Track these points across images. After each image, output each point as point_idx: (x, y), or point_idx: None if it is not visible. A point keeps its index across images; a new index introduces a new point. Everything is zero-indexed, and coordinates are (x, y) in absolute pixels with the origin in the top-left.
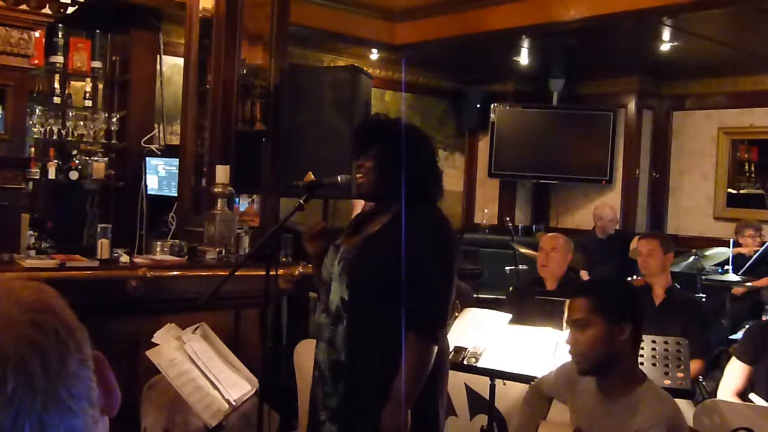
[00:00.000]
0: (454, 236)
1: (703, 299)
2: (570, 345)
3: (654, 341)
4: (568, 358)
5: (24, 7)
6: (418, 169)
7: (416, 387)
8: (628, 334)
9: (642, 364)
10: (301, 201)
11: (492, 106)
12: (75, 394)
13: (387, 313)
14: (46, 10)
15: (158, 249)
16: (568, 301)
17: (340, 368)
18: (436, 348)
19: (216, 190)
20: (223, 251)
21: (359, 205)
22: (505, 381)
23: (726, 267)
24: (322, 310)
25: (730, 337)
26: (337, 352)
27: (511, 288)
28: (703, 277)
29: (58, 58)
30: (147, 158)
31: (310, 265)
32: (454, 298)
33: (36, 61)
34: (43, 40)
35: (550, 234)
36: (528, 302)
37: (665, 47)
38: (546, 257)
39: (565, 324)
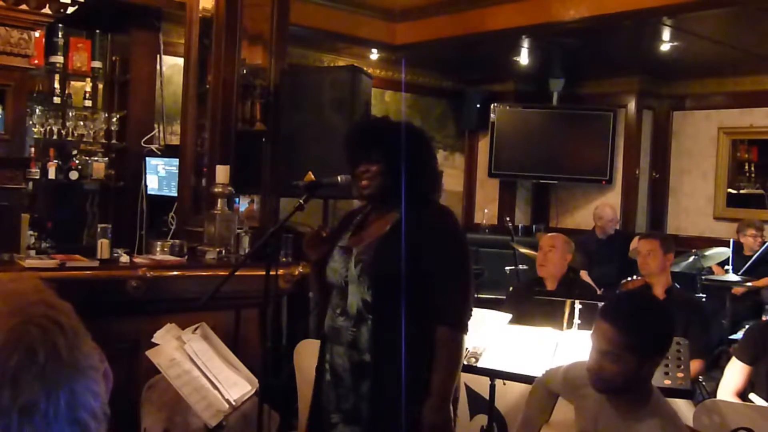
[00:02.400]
0: (461, 228)
1: (703, 299)
2: (594, 369)
3: None
4: (569, 358)
5: (24, 7)
6: (423, 168)
7: (454, 379)
8: (655, 367)
9: None
10: (301, 201)
11: (492, 106)
12: (90, 363)
13: (411, 309)
14: (46, 10)
15: (158, 249)
16: (568, 302)
17: (364, 369)
18: (465, 337)
19: (216, 190)
20: (223, 251)
21: None
22: (505, 381)
23: (726, 267)
24: (338, 313)
25: (730, 337)
26: (361, 353)
27: (511, 288)
28: (703, 277)
29: (58, 58)
30: (147, 158)
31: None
32: None
33: (36, 61)
34: (43, 40)
35: (549, 234)
36: (528, 302)
37: (665, 47)
38: (544, 257)
39: (569, 324)
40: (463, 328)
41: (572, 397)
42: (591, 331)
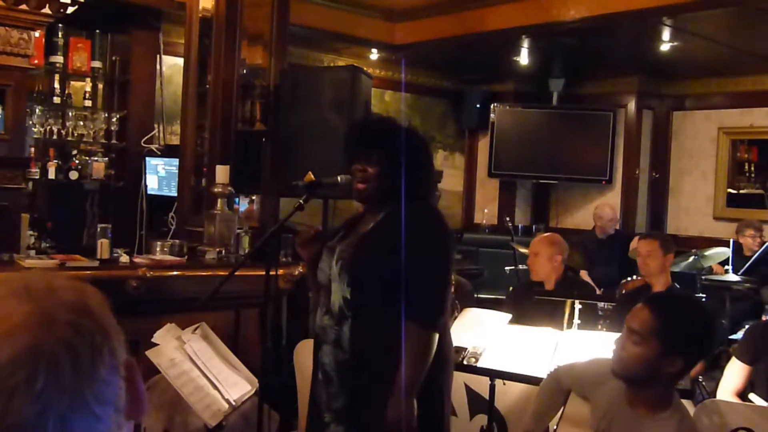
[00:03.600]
0: (446, 227)
1: (703, 299)
2: (617, 346)
3: None
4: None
5: (24, 7)
6: (418, 170)
7: (418, 377)
8: (676, 369)
9: None
10: (301, 201)
11: (492, 106)
12: (102, 400)
13: (389, 307)
14: (46, 10)
15: (158, 249)
16: (568, 302)
17: (348, 368)
18: (436, 336)
19: (216, 190)
20: (223, 251)
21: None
22: (505, 381)
23: (726, 267)
24: (324, 312)
25: (730, 337)
26: (344, 352)
27: (510, 288)
28: (703, 277)
29: (58, 58)
30: (147, 158)
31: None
32: (453, 296)
33: (36, 61)
34: (43, 40)
35: (538, 237)
36: (527, 302)
37: (665, 47)
38: (531, 262)
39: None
40: (432, 326)
41: (590, 393)
42: (629, 314)
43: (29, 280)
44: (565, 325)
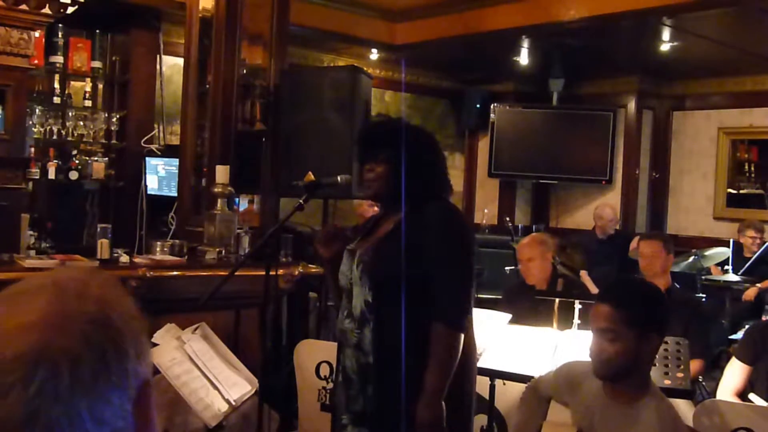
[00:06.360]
0: (467, 226)
1: (703, 299)
2: (594, 352)
3: None
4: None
5: (24, 7)
6: (428, 168)
7: (447, 377)
8: (655, 345)
9: None
10: (301, 201)
11: (492, 106)
12: (98, 418)
13: (412, 310)
14: (46, 10)
15: (158, 249)
16: (557, 301)
17: (369, 371)
18: (462, 337)
19: (216, 190)
20: (223, 251)
21: (365, 204)
22: (505, 381)
23: (726, 267)
24: (345, 315)
25: (730, 337)
26: (366, 355)
27: (504, 290)
28: (703, 278)
29: (58, 58)
30: (147, 158)
31: (310, 265)
32: None
33: (36, 61)
34: (43, 40)
35: (522, 242)
36: (520, 302)
37: (665, 47)
38: (526, 269)
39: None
40: (459, 327)
41: (567, 396)
42: (590, 317)
43: (63, 280)
44: (555, 324)
